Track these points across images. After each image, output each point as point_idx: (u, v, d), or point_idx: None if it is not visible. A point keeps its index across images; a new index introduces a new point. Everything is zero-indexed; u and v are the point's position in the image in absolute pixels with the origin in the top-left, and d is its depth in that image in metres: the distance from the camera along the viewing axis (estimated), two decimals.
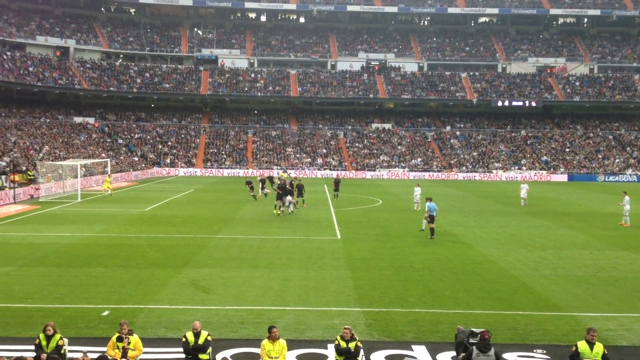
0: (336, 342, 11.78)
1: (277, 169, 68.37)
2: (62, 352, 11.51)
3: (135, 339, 11.72)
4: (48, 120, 75.29)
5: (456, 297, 17.72)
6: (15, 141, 59.71)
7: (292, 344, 12.95)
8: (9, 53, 77.05)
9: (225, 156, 79.62)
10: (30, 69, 77.49)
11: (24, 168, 50.46)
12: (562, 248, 26.11)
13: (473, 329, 11.53)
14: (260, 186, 44.81)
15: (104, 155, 68.55)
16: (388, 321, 15.33)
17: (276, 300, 17.02)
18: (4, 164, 49.45)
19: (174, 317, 15.23)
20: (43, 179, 47.62)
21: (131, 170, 67.65)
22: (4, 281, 18.75)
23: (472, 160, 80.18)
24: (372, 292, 18.05)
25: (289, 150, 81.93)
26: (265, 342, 11.64)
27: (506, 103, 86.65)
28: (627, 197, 33.83)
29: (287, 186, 36.35)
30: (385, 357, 12.93)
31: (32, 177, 48.00)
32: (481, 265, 22.15)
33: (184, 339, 11.97)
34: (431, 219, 28.03)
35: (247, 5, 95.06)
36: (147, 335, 13.54)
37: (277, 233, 28.79)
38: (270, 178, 47.75)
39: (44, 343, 11.46)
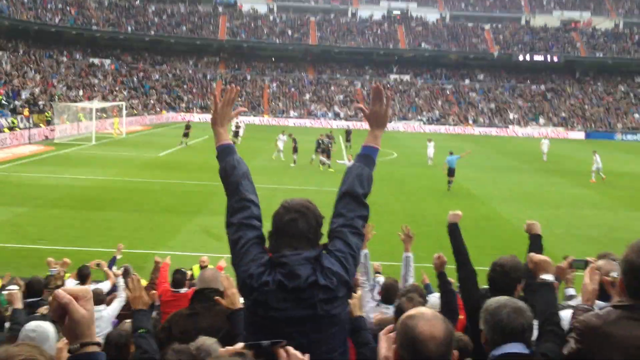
0: None
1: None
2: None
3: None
4: (65, 59, 75.11)
5: None
6: (33, 78, 59.78)
7: None
8: None
9: (241, 103, 79.32)
10: (49, 5, 76.92)
11: (40, 104, 50.58)
12: (577, 207, 25.96)
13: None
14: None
15: (119, 97, 68.53)
16: (397, 276, 15.33)
17: None
18: (18, 103, 49.53)
19: (184, 264, 15.29)
20: (58, 120, 47.72)
21: (146, 114, 67.62)
22: (18, 221, 18.97)
23: (489, 114, 79.35)
24: (382, 246, 18.02)
25: (305, 98, 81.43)
26: None
27: (527, 57, 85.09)
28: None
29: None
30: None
31: (50, 118, 48.01)
32: (494, 222, 22.11)
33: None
34: (451, 172, 28.23)
35: None
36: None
37: (290, 183, 28.80)
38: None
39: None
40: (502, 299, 3.31)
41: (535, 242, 5.28)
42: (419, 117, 77.94)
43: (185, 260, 15.58)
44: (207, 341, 3.92)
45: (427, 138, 41.44)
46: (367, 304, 6.17)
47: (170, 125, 65.88)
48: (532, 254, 4.26)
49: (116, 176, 28.43)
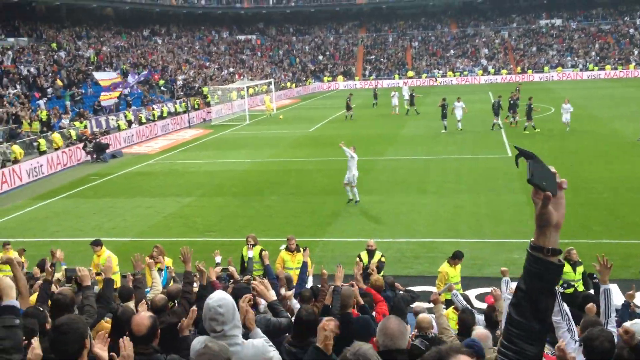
0: None
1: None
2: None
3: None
4: (216, 38, 78.26)
5: None
6: (187, 61, 62.86)
7: (469, 282, 12.54)
8: None
9: (384, 64, 78.48)
10: None
11: (196, 87, 53.03)
12: None
13: None
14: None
15: (266, 70, 70.38)
16: None
17: (448, 231, 16.58)
18: (179, 84, 52.19)
19: (348, 251, 15.26)
20: (214, 102, 49.79)
21: (293, 86, 68.83)
22: (187, 213, 19.93)
23: None
24: None
25: (450, 54, 78.99)
26: (447, 266, 11.37)
27: None
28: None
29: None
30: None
31: (209, 100, 50.00)
32: None
33: (358, 259, 12.06)
34: None
35: None
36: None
37: (443, 152, 28.00)
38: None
39: (244, 253, 12.28)
40: None
41: None
42: (575, 64, 72.90)
43: (349, 247, 15.56)
44: (363, 346, 3.53)
45: (456, 96, 35.76)
46: (568, 346, 5.57)
47: (316, 95, 66.65)
48: None
49: (272, 157, 29.14)
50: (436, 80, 71.35)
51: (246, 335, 4.63)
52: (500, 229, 16.47)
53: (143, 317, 4.86)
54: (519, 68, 73.23)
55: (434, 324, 7.06)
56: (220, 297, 4.06)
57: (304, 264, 10.67)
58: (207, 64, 66.83)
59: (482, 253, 14.70)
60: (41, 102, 37.99)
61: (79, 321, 4.30)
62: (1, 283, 4.30)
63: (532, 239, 2.12)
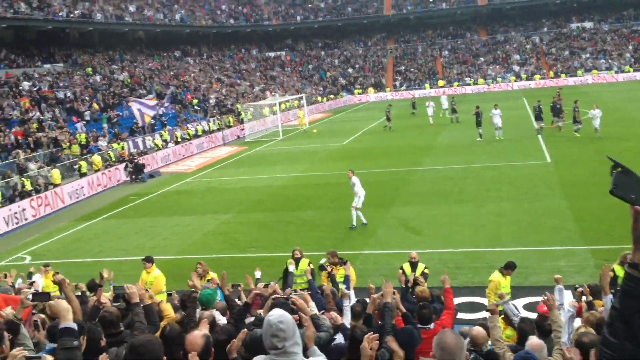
0: None
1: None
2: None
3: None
4: (244, 56, 79.03)
5: None
6: (219, 80, 63.51)
7: (516, 292, 12.28)
8: None
9: (414, 74, 78.25)
10: (223, 7, 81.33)
11: (229, 104, 53.51)
12: None
13: None
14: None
15: (297, 86, 70.69)
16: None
17: (491, 240, 16.34)
18: (212, 102, 52.71)
19: (389, 264, 15.13)
20: (247, 118, 50.15)
21: (325, 100, 69.02)
22: (227, 229, 20.02)
23: None
24: (596, 225, 16.64)
25: (480, 61, 78.43)
26: (499, 276, 11.10)
27: None
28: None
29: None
30: None
31: (243, 118, 50.40)
32: None
33: (400, 271, 11.92)
34: None
35: None
36: (365, 285, 13.64)
37: (481, 160, 27.69)
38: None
39: (288, 266, 12.06)
40: None
41: None
42: (609, 66, 71.68)
43: (390, 259, 15.42)
44: None
45: (494, 104, 34.65)
46: None
47: (348, 108, 66.70)
48: None
49: (307, 171, 29.19)
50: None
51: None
52: (543, 236, 16.17)
53: (196, 336, 4.74)
54: (551, 72, 72.37)
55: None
56: (280, 314, 4.01)
57: (346, 278, 10.59)
58: (239, 81, 67.48)
59: (527, 262, 14.41)
60: (79, 125, 38.70)
61: (156, 342, 4.30)
62: (58, 306, 4.34)
63: (631, 256, 2.04)
